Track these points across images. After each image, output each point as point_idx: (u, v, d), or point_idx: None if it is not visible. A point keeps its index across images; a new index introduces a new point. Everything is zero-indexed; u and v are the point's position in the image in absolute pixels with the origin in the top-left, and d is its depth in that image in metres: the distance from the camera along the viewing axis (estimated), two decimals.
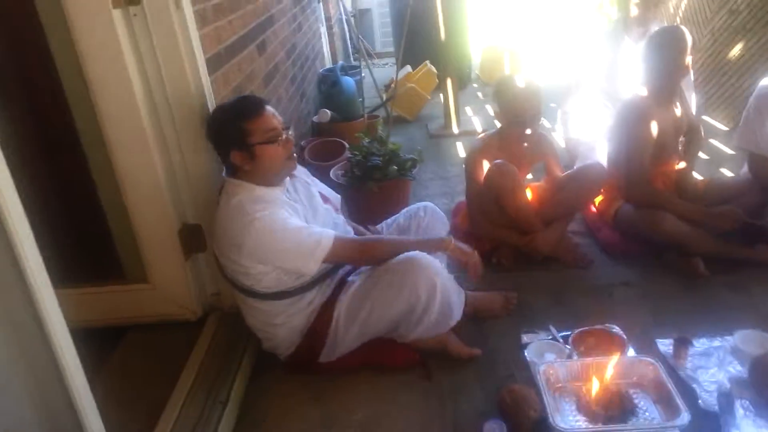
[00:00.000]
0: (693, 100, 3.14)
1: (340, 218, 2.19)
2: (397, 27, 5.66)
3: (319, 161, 3.39)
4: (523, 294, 2.39)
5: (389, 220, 2.41)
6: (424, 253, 1.93)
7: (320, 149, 3.60)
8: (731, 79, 3.98)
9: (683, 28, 2.56)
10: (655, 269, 2.52)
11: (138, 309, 2.27)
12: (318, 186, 2.19)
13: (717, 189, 2.75)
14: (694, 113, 2.91)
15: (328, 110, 4.01)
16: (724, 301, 2.27)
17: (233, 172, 1.91)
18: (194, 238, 2.20)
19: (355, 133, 3.43)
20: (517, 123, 2.52)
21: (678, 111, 2.68)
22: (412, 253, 1.92)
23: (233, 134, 1.83)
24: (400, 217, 2.38)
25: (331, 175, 3.16)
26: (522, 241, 2.64)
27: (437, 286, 1.88)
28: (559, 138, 3.75)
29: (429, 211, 2.35)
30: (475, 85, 5.79)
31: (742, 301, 2.26)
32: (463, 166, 2.77)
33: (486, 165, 2.58)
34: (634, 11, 3.03)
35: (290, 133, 1.91)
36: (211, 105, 2.07)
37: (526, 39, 6.28)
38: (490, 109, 4.43)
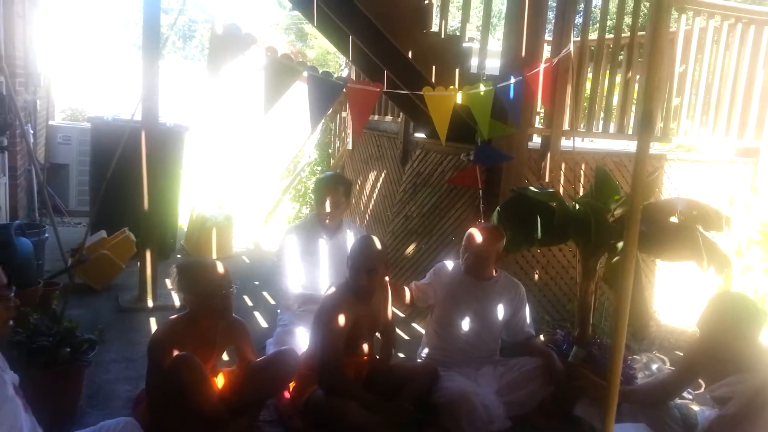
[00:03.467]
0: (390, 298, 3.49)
1: (29, 420, 1.84)
2: (95, 187, 5.27)
3: None
4: None
5: None
6: None
7: None
8: (407, 272, 4.62)
9: (375, 239, 2.92)
10: None
11: None
12: (8, 373, 1.85)
13: (397, 374, 3.01)
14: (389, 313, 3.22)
15: None
16: None
17: None
18: None
19: (25, 304, 2.89)
20: (209, 301, 2.49)
21: (375, 308, 2.95)
22: None
23: None
24: None
25: None
26: None
27: None
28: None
29: None
30: (179, 256, 5.61)
31: None
32: (147, 351, 2.53)
33: (174, 352, 2.40)
34: (327, 209, 3.36)
35: (12, 295, 1.84)
36: None
37: (239, 207, 6.42)
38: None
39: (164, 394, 2.41)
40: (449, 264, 3.25)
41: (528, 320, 3.22)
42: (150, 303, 4.13)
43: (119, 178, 4.50)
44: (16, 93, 4.61)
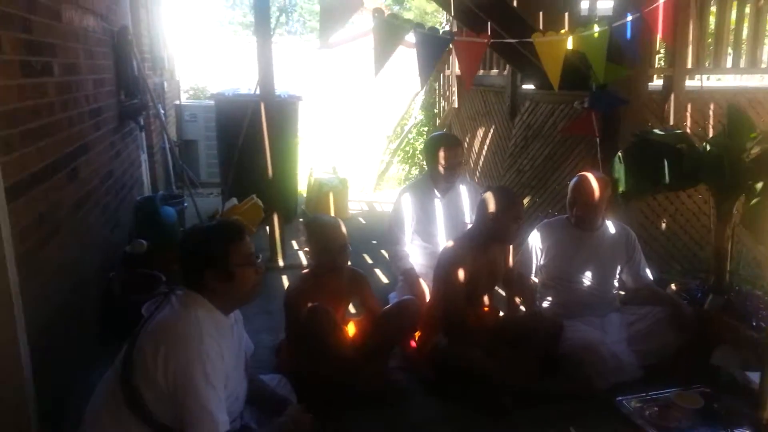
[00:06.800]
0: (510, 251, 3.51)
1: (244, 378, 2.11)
2: (223, 160, 5.69)
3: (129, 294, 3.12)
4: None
5: None
6: None
7: (130, 283, 3.34)
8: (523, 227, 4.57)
9: (511, 193, 2.98)
10: (467, 405, 2.62)
11: None
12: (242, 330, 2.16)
13: (521, 325, 3.03)
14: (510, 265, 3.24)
15: (143, 241, 3.78)
16: None
17: (195, 289, 1.89)
18: None
19: (173, 265, 3.24)
20: (326, 256, 2.68)
21: (494, 260, 2.99)
22: None
23: (213, 254, 1.87)
24: None
25: (143, 310, 2.91)
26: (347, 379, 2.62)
27: None
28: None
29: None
30: (301, 219, 5.94)
31: None
32: (284, 305, 2.76)
33: (308, 305, 2.61)
34: (441, 170, 3.42)
35: (260, 261, 1.98)
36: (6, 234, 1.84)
37: (352, 171, 6.61)
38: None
39: (303, 343, 2.63)
40: (549, 222, 3.20)
41: (644, 265, 3.12)
42: (281, 262, 4.46)
43: (244, 149, 4.84)
44: (146, 76, 5.02)
